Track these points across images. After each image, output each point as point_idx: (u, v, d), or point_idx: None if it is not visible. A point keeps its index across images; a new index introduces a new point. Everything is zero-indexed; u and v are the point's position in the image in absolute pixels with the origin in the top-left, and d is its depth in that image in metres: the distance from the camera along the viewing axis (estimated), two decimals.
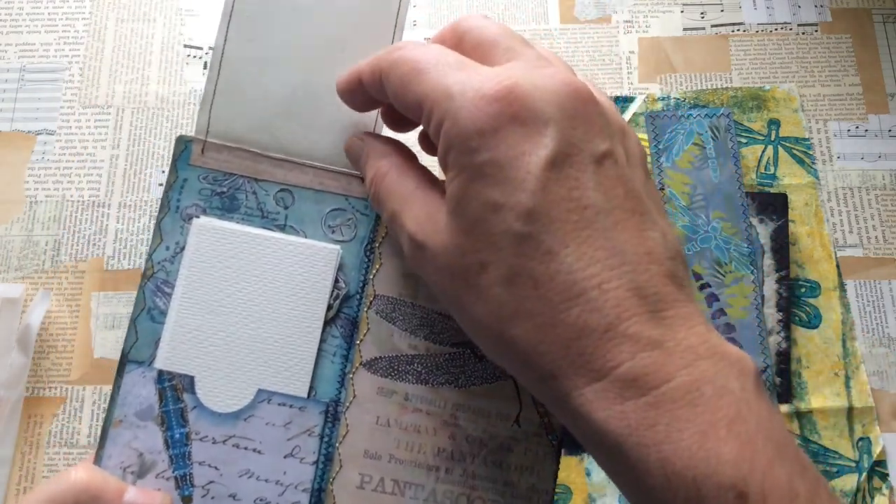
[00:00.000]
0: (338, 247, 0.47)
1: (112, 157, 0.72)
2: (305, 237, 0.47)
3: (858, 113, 0.74)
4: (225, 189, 0.47)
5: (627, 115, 0.73)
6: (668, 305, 0.37)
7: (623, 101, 0.73)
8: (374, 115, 0.49)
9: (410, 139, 0.48)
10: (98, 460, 0.44)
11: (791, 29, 0.76)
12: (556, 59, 0.43)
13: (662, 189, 0.69)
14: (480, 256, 0.38)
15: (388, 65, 0.42)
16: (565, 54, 0.76)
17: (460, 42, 0.43)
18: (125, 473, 0.44)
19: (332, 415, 0.45)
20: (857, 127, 0.73)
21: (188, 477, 0.44)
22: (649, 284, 0.37)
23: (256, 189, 0.47)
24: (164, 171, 0.71)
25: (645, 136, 0.72)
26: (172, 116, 0.73)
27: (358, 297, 0.47)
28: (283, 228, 0.47)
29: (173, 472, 0.44)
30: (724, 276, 0.67)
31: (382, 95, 0.43)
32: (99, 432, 0.63)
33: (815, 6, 0.77)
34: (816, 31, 0.76)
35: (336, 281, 0.47)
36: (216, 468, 0.44)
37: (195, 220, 0.46)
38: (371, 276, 0.47)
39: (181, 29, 0.76)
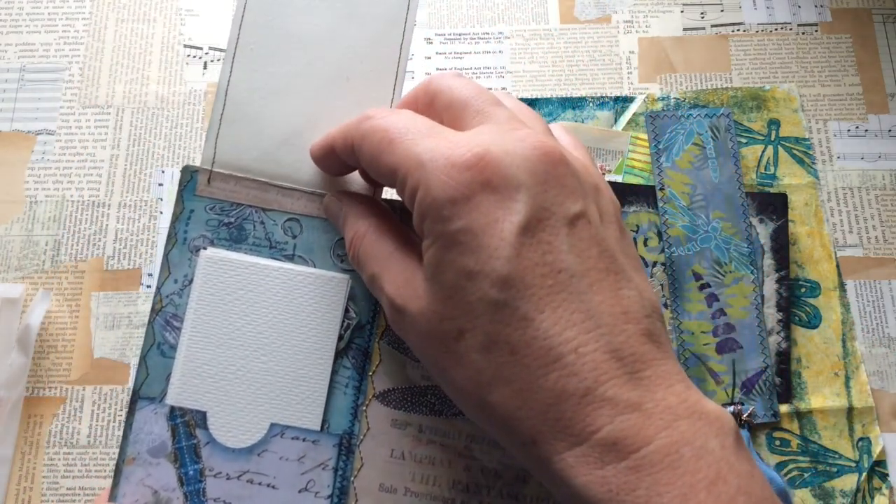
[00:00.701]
0: (347, 276, 0.47)
1: (112, 157, 0.72)
2: (314, 267, 0.47)
3: (858, 113, 0.74)
4: (232, 219, 0.47)
5: (627, 116, 0.73)
6: (646, 365, 0.37)
7: (623, 101, 0.73)
8: None
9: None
10: (112, 499, 0.44)
11: (791, 29, 0.76)
12: (529, 115, 0.43)
13: (662, 189, 0.69)
14: (458, 323, 0.38)
15: (359, 135, 0.42)
16: (565, 54, 0.76)
17: (432, 103, 0.43)
18: None
19: (346, 448, 0.45)
20: (857, 127, 0.73)
21: None
22: (626, 345, 0.37)
23: (264, 219, 0.47)
24: (163, 171, 0.71)
25: (645, 136, 0.72)
26: (172, 116, 0.73)
27: (369, 327, 0.47)
28: (291, 258, 0.47)
29: None
30: (724, 276, 0.68)
31: (356, 162, 0.44)
32: (98, 432, 0.64)
33: (815, 6, 0.77)
34: (816, 31, 0.76)
35: (346, 311, 0.47)
36: None
37: (203, 252, 0.46)
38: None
39: (181, 29, 0.76)
